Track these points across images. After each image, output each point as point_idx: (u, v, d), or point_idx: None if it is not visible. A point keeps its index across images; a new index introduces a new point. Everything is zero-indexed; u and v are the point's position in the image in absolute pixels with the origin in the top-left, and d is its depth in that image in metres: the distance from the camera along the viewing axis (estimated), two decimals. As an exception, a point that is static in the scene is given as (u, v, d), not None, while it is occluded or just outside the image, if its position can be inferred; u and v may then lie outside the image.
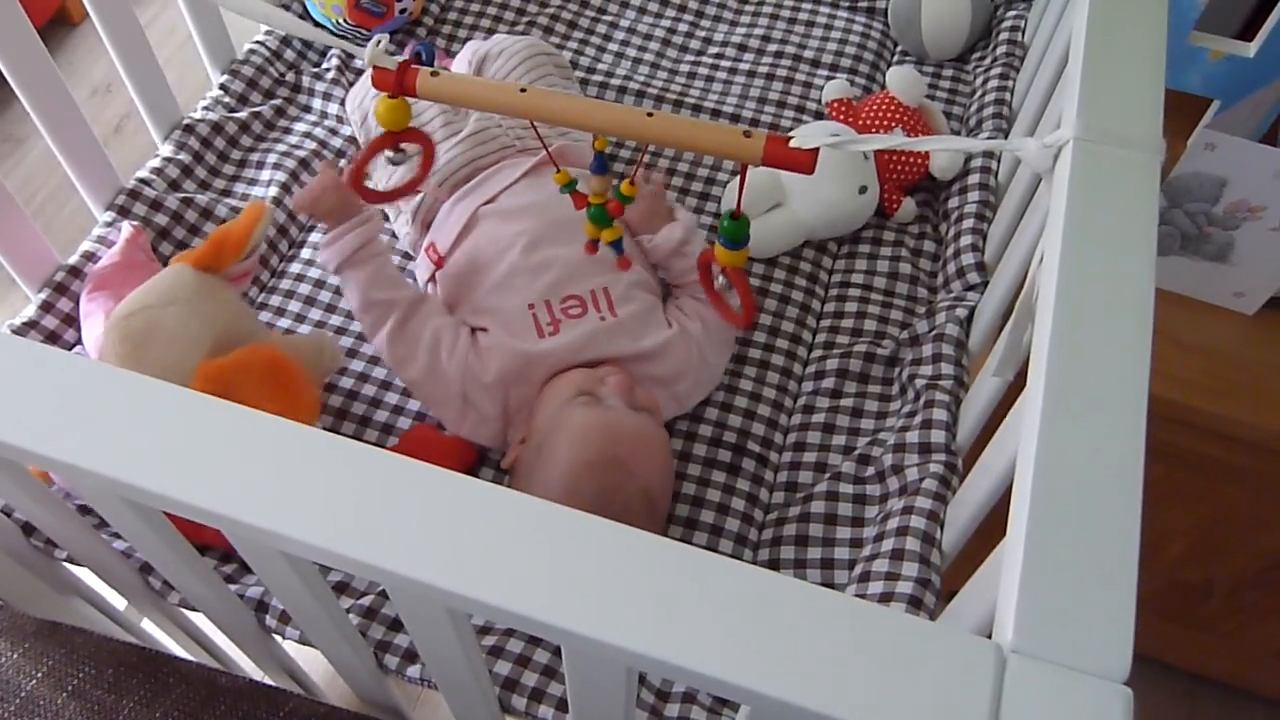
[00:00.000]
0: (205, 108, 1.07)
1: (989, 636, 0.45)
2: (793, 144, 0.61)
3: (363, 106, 1.01)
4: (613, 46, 1.20)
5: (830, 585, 0.78)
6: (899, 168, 1.01)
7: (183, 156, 1.01)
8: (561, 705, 0.69)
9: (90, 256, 0.91)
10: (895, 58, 1.20)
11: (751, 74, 1.15)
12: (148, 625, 0.92)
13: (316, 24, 1.15)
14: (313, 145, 1.06)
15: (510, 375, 0.82)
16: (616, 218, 0.72)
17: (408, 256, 0.99)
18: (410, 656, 0.72)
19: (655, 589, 0.41)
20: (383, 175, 0.96)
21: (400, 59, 0.71)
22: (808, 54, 1.17)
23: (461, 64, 1.04)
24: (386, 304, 0.83)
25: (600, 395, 0.79)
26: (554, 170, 0.83)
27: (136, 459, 0.44)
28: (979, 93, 1.09)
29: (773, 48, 1.18)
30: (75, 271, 0.90)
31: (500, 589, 0.41)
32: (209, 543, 0.77)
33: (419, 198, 0.94)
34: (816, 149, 0.61)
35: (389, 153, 0.78)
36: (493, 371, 0.82)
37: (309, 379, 0.74)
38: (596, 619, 0.40)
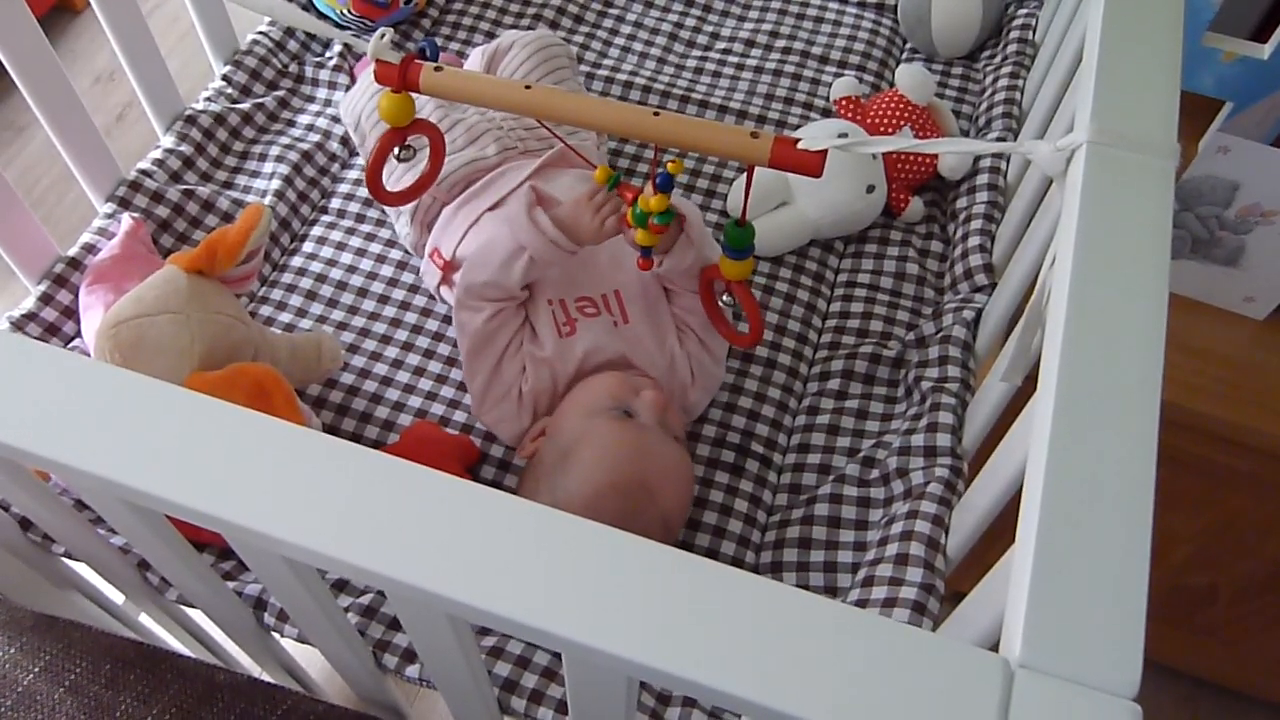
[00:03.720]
0: (208, 99, 1.06)
1: (996, 645, 0.44)
2: (800, 145, 0.61)
3: (355, 109, 1.00)
4: (619, 41, 1.19)
5: (833, 588, 0.77)
6: (907, 167, 1.01)
7: (184, 148, 1.00)
8: (561, 707, 0.68)
9: (90, 248, 0.90)
10: (904, 55, 1.19)
11: (759, 70, 1.14)
12: (145, 620, 0.91)
13: (321, 15, 1.14)
14: (316, 138, 1.06)
15: (541, 388, 0.81)
16: (656, 234, 0.73)
17: (409, 254, 0.98)
18: (409, 656, 0.72)
19: (657, 598, 0.40)
20: (392, 174, 0.95)
21: (404, 54, 0.70)
22: (816, 50, 1.16)
23: (473, 67, 1.03)
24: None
25: (635, 410, 0.77)
26: (560, 173, 0.82)
27: (137, 461, 0.43)
28: (989, 91, 1.08)
29: (781, 43, 1.17)
30: (75, 263, 0.89)
31: (501, 597, 0.40)
32: (207, 541, 0.77)
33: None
34: (825, 151, 0.60)
35: (397, 150, 0.77)
36: (529, 381, 0.82)
37: (296, 404, 0.73)
38: (597, 628, 0.39)
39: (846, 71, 1.14)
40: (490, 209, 0.89)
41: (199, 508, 0.42)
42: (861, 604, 0.70)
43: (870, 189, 0.97)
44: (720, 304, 0.80)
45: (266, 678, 0.77)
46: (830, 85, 1.11)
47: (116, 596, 0.87)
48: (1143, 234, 0.55)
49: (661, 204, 0.71)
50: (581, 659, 0.45)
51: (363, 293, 0.95)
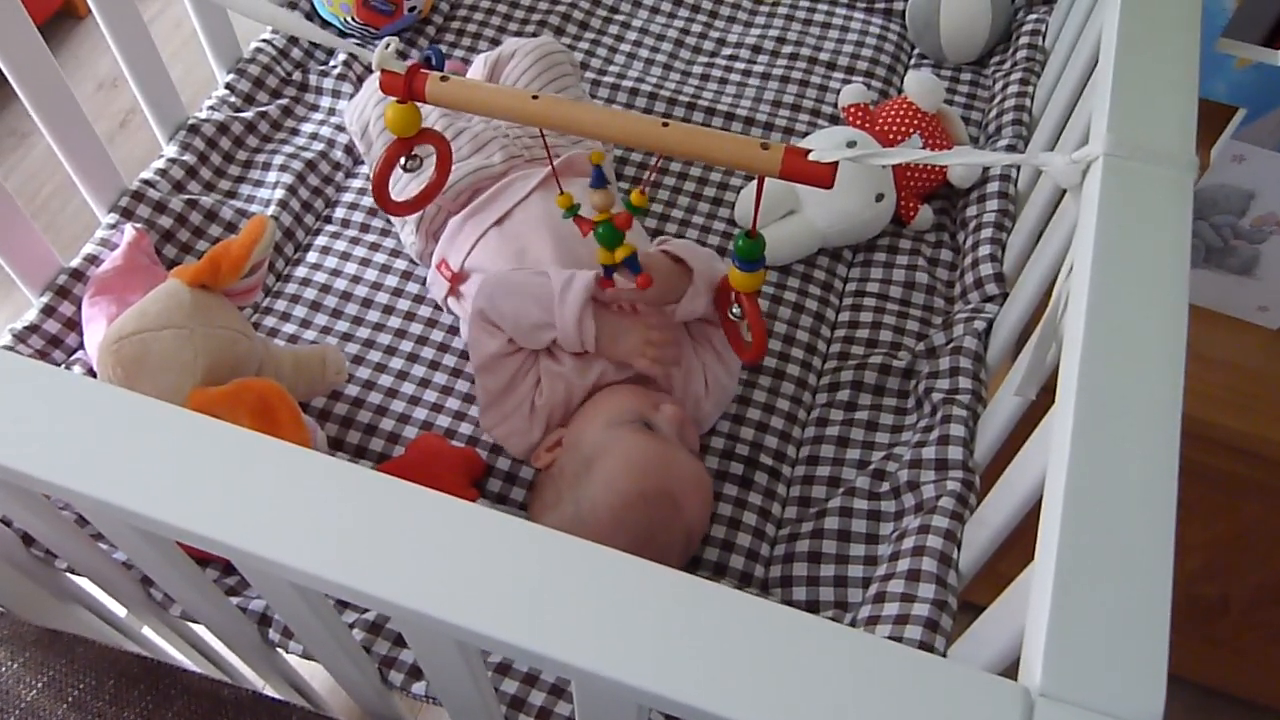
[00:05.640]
0: (210, 108, 1.05)
1: (1013, 664, 0.44)
2: (812, 157, 0.60)
3: (363, 116, 0.99)
4: (624, 48, 1.18)
5: (843, 603, 0.76)
6: (916, 175, 1.00)
7: (187, 158, 1.00)
8: (569, 725, 0.68)
9: (93, 259, 0.89)
10: (913, 61, 1.18)
11: (766, 76, 1.13)
12: (149, 633, 0.91)
13: (324, 22, 1.14)
14: (320, 147, 1.05)
15: (555, 401, 0.81)
16: (626, 231, 0.71)
17: (414, 263, 0.97)
18: (415, 673, 0.71)
19: (668, 625, 0.39)
20: (398, 183, 0.94)
21: (409, 63, 0.69)
22: (823, 56, 1.15)
23: (476, 74, 1.02)
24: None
25: (655, 424, 0.77)
26: (566, 181, 0.81)
27: (141, 486, 0.42)
28: (998, 98, 1.07)
29: (788, 50, 1.16)
30: (77, 274, 0.88)
31: (511, 625, 0.39)
32: (211, 559, 0.76)
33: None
34: (836, 162, 0.59)
35: (403, 160, 0.77)
36: (544, 395, 0.81)
37: (301, 419, 0.72)
38: (608, 656, 0.39)
39: (854, 78, 1.13)
40: (497, 222, 0.88)
41: (204, 533, 0.41)
42: (874, 620, 0.70)
43: (879, 197, 0.96)
44: (730, 315, 0.79)
45: (271, 692, 0.77)
46: (838, 91, 1.10)
47: (120, 610, 0.86)
48: (1161, 247, 0.54)
49: (605, 199, 0.70)
50: (592, 686, 0.44)
51: (367, 303, 0.95)
